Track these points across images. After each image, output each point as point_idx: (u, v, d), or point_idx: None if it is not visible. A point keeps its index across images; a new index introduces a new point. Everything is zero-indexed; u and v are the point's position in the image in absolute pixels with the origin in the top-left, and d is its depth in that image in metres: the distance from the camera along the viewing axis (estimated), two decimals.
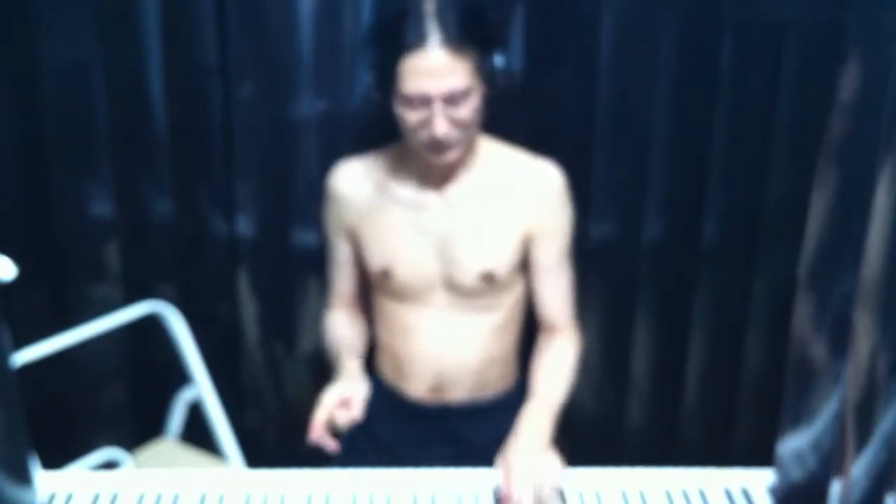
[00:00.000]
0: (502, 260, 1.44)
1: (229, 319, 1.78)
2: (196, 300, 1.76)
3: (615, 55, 1.61)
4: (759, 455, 1.29)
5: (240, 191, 1.69)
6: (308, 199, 1.69)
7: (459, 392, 1.50)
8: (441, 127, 1.32)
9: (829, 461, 1.05)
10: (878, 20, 0.92)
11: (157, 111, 1.65)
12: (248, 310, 1.77)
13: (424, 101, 1.31)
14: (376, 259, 1.47)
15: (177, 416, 1.76)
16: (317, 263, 1.73)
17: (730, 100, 1.64)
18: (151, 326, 1.68)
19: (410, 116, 1.34)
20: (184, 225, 1.72)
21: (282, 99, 1.63)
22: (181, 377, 1.71)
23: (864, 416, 0.95)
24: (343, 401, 1.47)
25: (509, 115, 1.54)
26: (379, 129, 1.64)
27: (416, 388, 1.51)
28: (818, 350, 1.07)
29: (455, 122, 1.33)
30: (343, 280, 1.57)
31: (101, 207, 1.69)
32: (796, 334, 1.12)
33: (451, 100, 1.31)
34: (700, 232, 1.73)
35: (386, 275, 1.47)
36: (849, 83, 0.97)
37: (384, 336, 1.55)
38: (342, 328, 1.59)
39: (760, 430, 1.52)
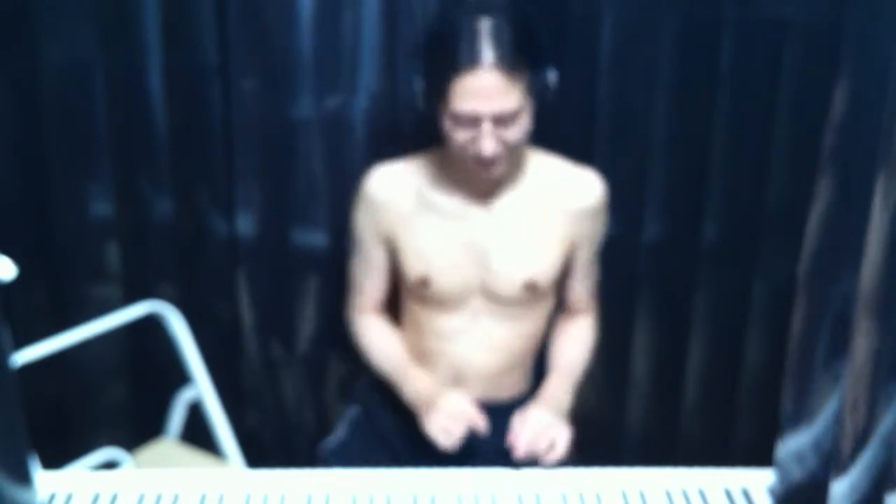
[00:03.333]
0: (546, 269, 1.44)
1: (229, 319, 1.78)
2: (196, 300, 1.76)
3: (615, 55, 1.61)
4: (759, 455, 1.29)
5: (240, 191, 1.69)
6: (308, 199, 1.69)
7: (473, 393, 1.48)
8: (489, 147, 1.31)
9: (829, 461, 1.05)
10: (876, 25, 0.92)
11: (157, 111, 1.65)
12: (248, 310, 1.77)
13: (474, 121, 1.30)
14: (415, 268, 1.45)
15: (177, 416, 1.76)
16: (317, 263, 1.74)
17: (730, 100, 1.64)
18: (151, 326, 1.68)
19: (458, 134, 1.33)
20: (184, 225, 1.72)
21: (282, 99, 1.63)
22: (181, 377, 1.71)
23: (864, 416, 0.95)
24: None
25: None
26: (387, 130, 1.65)
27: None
28: (818, 350, 1.07)
29: (503, 142, 1.32)
30: (373, 285, 1.54)
31: (101, 207, 1.69)
32: (796, 334, 1.12)
33: (501, 121, 1.30)
34: (700, 232, 1.73)
35: (424, 283, 1.45)
36: (848, 83, 0.97)
37: (408, 333, 1.54)
38: (388, 339, 1.55)
39: (760, 430, 1.52)
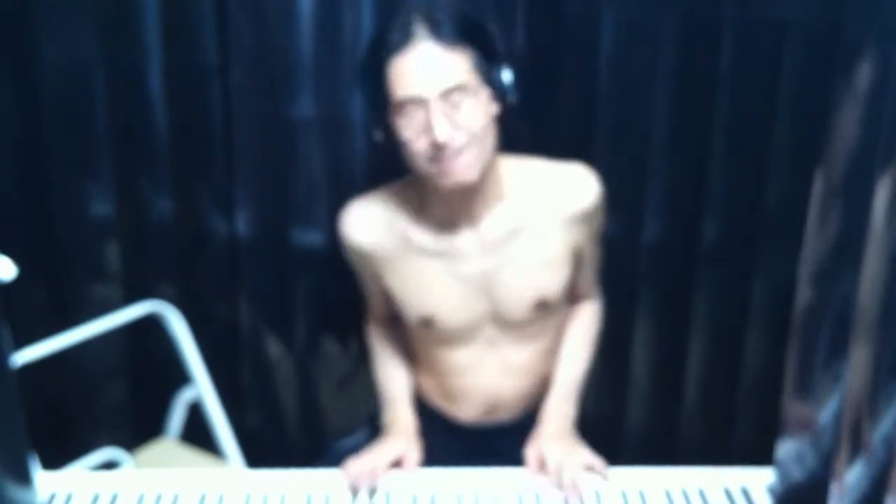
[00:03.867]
0: (555, 284, 1.37)
1: (229, 319, 1.78)
2: (196, 300, 1.76)
3: (615, 55, 1.61)
4: (759, 455, 1.29)
5: (240, 191, 1.69)
6: (308, 199, 1.69)
7: (511, 412, 1.47)
8: (441, 128, 1.18)
9: (829, 461, 1.05)
10: (875, 24, 0.92)
11: (157, 111, 1.65)
12: (248, 309, 1.77)
13: (419, 104, 1.20)
14: (415, 311, 1.38)
15: (177, 416, 1.76)
16: (316, 263, 1.74)
17: (730, 100, 1.64)
18: (151, 326, 1.68)
19: (407, 126, 1.22)
20: (184, 225, 1.72)
21: (282, 99, 1.63)
22: (181, 377, 1.71)
23: (864, 416, 0.95)
24: (397, 460, 1.34)
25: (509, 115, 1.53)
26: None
27: (466, 413, 1.47)
28: (818, 350, 1.07)
29: (458, 127, 1.20)
30: (374, 302, 1.50)
31: (101, 207, 1.69)
32: (796, 334, 1.12)
33: (448, 99, 1.19)
34: (700, 232, 1.73)
35: (427, 325, 1.38)
36: (847, 83, 0.97)
37: (428, 372, 1.48)
38: (388, 349, 1.52)
39: (760, 430, 1.52)
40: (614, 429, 1.87)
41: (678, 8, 1.59)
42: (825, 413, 1.07)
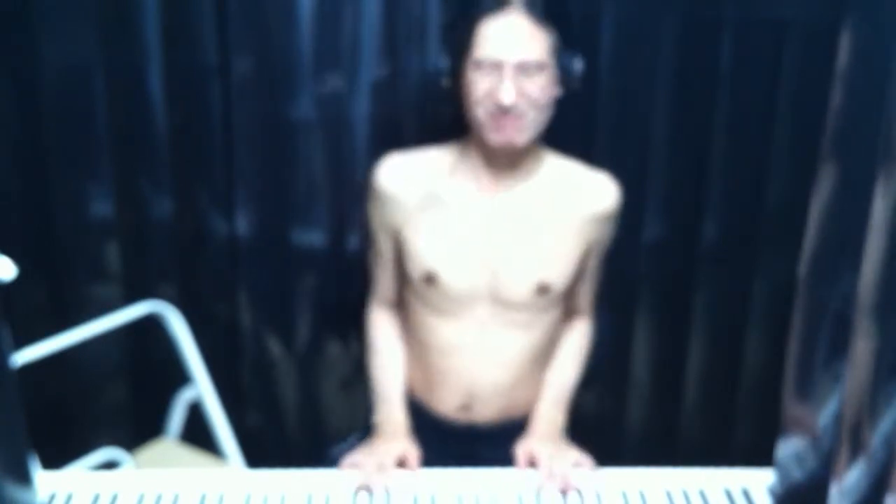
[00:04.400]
0: (560, 272, 1.40)
1: (229, 319, 1.78)
2: (196, 300, 1.76)
3: (615, 55, 1.61)
4: (759, 455, 1.29)
5: (240, 191, 1.69)
6: (308, 199, 1.69)
7: (488, 412, 1.46)
8: (509, 93, 1.28)
9: (829, 461, 1.05)
10: (874, 24, 0.92)
11: (157, 111, 1.65)
12: (248, 310, 1.77)
13: (496, 67, 1.29)
14: (421, 263, 1.40)
15: (177, 416, 1.76)
16: (316, 263, 1.74)
17: (730, 100, 1.64)
18: (151, 326, 1.68)
19: (480, 83, 1.31)
20: (184, 225, 1.72)
21: (282, 99, 1.63)
22: (181, 377, 1.71)
23: (865, 416, 0.95)
24: (399, 461, 1.35)
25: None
26: (387, 130, 1.64)
27: (445, 405, 1.47)
28: (818, 350, 1.07)
29: (523, 96, 1.30)
30: (386, 278, 1.50)
31: (101, 207, 1.69)
32: (796, 334, 1.12)
33: (524, 69, 1.29)
34: (700, 232, 1.73)
35: (430, 281, 1.40)
36: (846, 83, 0.97)
37: (416, 349, 1.49)
38: (387, 342, 1.52)
39: (760, 430, 1.52)
40: (614, 429, 1.87)
41: (678, 8, 1.59)
42: (825, 413, 1.07)
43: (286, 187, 1.69)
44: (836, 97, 0.99)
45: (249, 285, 1.76)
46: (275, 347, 1.80)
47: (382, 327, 1.53)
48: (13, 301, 1.59)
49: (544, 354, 1.49)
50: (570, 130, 1.66)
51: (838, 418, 1.03)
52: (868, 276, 0.94)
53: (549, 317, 1.45)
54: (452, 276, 1.39)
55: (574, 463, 1.31)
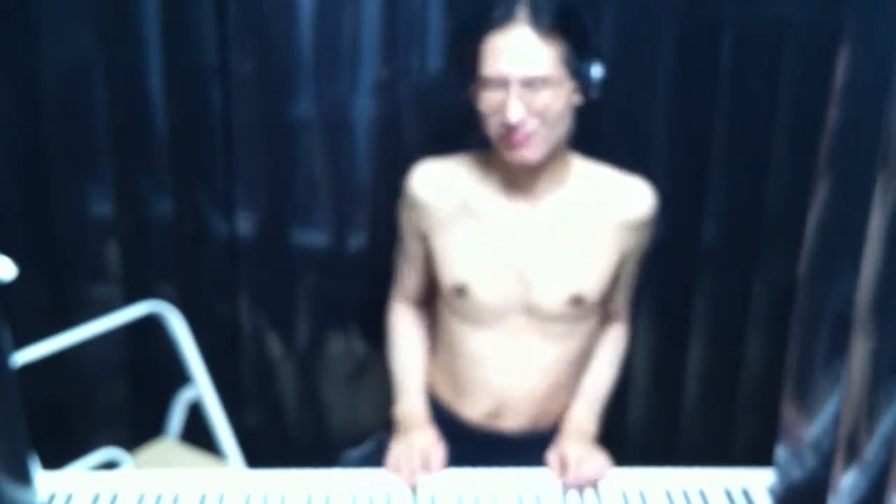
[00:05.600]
0: (594, 283, 1.37)
1: (229, 319, 1.78)
2: (196, 300, 1.76)
3: (615, 55, 1.61)
4: (759, 455, 1.29)
5: (240, 191, 1.69)
6: (308, 199, 1.69)
7: (516, 420, 1.44)
8: (515, 111, 1.25)
9: (829, 461, 1.05)
10: (874, 24, 0.92)
11: (157, 111, 1.65)
12: (248, 310, 1.77)
13: (501, 84, 1.26)
14: (452, 274, 1.38)
15: (177, 416, 1.76)
16: (317, 263, 1.74)
17: (730, 99, 1.64)
18: (151, 326, 1.68)
19: (487, 100, 1.28)
20: (184, 225, 1.72)
21: (282, 99, 1.63)
22: (181, 377, 1.71)
23: (864, 416, 0.95)
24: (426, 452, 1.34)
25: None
26: (387, 130, 1.64)
27: (472, 411, 1.45)
28: (818, 350, 1.07)
29: (533, 111, 1.26)
30: (412, 277, 1.49)
31: (101, 207, 1.69)
32: (796, 334, 1.12)
33: (530, 84, 1.25)
34: (700, 232, 1.73)
35: (461, 293, 1.38)
36: (846, 82, 0.97)
37: (445, 355, 1.47)
38: (408, 336, 1.51)
39: (760, 430, 1.52)
40: (614, 429, 1.87)
41: (678, 8, 1.59)
42: (825, 413, 1.07)
43: (286, 187, 1.69)
44: (836, 97, 0.99)
45: (249, 285, 1.76)
46: (275, 347, 1.80)
47: (404, 321, 1.52)
48: (13, 301, 1.59)
49: (578, 364, 1.46)
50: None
51: (838, 418, 1.03)
52: (868, 276, 0.94)
53: (584, 327, 1.43)
54: (484, 289, 1.37)
55: (601, 468, 1.30)
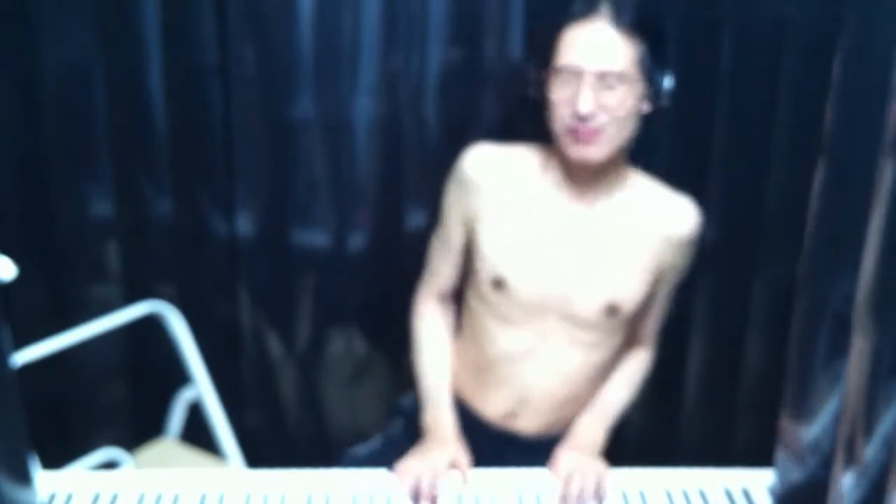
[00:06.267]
0: (631, 293, 1.36)
1: (229, 319, 1.78)
2: (196, 300, 1.76)
3: None
4: (759, 455, 1.29)
5: (240, 191, 1.69)
6: (308, 199, 1.69)
7: (534, 423, 1.43)
8: (587, 101, 1.23)
9: (829, 461, 1.05)
10: (874, 24, 0.92)
11: (157, 111, 1.65)
12: (248, 310, 1.77)
13: (576, 75, 1.24)
14: (492, 265, 1.35)
15: (177, 416, 1.76)
16: (317, 263, 1.74)
17: (730, 100, 1.64)
18: (151, 326, 1.68)
19: (559, 92, 1.26)
20: (184, 225, 1.72)
21: (282, 99, 1.63)
22: (181, 377, 1.71)
23: (864, 416, 0.95)
24: (451, 466, 1.32)
25: (511, 116, 1.53)
26: (387, 130, 1.64)
27: (491, 409, 1.43)
28: (818, 350, 1.07)
29: (603, 107, 1.25)
30: (447, 267, 1.44)
31: (101, 207, 1.69)
32: (796, 334, 1.12)
33: (604, 79, 1.24)
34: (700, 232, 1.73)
35: (499, 285, 1.35)
36: (845, 81, 0.97)
37: (470, 350, 1.44)
38: (436, 337, 1.47)
39: (760, 430, 1.52)
40: (615, 429, 1.86)
41: (678, 8, 1.59)
42: (825, 413, 1.07)
43: (286, 187, 1.69)
44: (835, 97, 0.99)
45: (249, 285, 1.76)
46: (275, 347, 1.80)
47: (432, 320, 1.48)
48: (13, 301, 1.59)
49: (602, 377, 1.44)
50: None
51: (838, 418, 1.03)
52: (868, 275, 0.94)
53: (613, 341, 1.41)
54: (523, 284, 1.34)
55: (597, 479, 1.28)
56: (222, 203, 1.71)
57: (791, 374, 1.14)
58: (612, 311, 1.36)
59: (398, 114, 1.64)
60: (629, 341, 1.46)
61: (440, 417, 1.40)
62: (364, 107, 1.63)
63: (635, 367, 1.49)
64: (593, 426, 1.42)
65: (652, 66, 1.28)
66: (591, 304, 1.35)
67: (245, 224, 1.71)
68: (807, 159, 1.12)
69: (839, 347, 1.01)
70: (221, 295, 1.77)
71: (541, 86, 1.31)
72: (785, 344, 1.14)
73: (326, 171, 1.68)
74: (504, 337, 1.38)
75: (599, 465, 1.32)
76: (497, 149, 1.39)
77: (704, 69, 1.63)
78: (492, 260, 1.36)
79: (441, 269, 1.46)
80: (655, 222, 1.37)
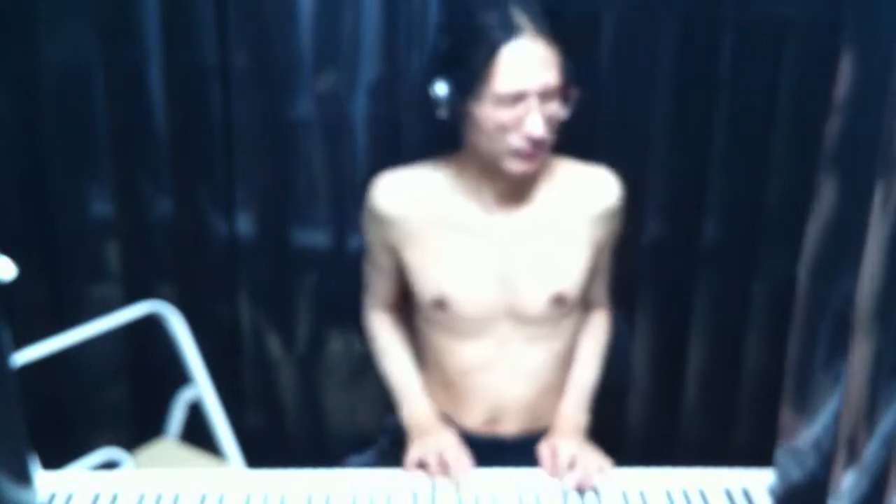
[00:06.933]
0: (574, 280, 1.35)
1: (229, 319, 1.78)
2: (196, 300, 1.76)
3: (615, 55, 1.61)
4: (759, 455, 1.29)
5: (240, 191, 1.69)
6: (308, 199, 1.69)
7: (515, 424, 1.42)
8: (538, 125, 1.22)
9: (829, 461, 1.05)
10: (876, 21, 0.92)
11: (157, 111, 1.65)
12: (248, 310, 1.77)
13: (519, 98, 1.21)
14: (430, 289, 1.35)
15: (177, 416, 1.76)
16: (317, 263, 1.74)
17: (730, 99, 1.64)
18: (151, 326, 1.68)
19: (502, 117, 1.22)
20: (184, 225, 1.72)
21: (282, 99, 1.63)
22: (181, 377, 1.71)
23: (864, 416, 0.95)
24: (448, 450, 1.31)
25: None
26: (387, 130, 1.64)
27: (470, 419, 1.43)
28: (818, 350, 1.07)
29: (549, 121, 1.24)
30: (382, 287, 1.46)
31: (101, 207, 1.69)
32: (796, 334, 1.12)
33: (546, 96, 1.23)
34: (700, 232, 1.73)
35: (441, 306, 1.35)
36: (846, 83, 0.97)
37: (434, 371, 1.44)
38: (392, 341, 1.48)
39: (760, 430, 1.52)
40: (614, 429, 1.87)
41: (678, 8, 1.59)
42: (825, 413, 1.07)
43: (286, 187, 1.69)
44: (836, 99, 0.99)
45: (249, 285, 1.76)
46: (275, 347, 1.80)
47: (384, 327, 1.50)
48: (13, 301, 1.59)
49: (566, 363, 1.45)
50: (569, 131, 1.66)
51: (838, 418, 1.03)
52: (868, 276, 0.94)
53: (567, 325, 1.42)
54: (465, 300, 1.34)
55: (597, 465, 1.29)
56: (222, 203, 1.71)
57: (791, 374, 1.14)
58: (559, 300, 1.36)
59: (398, 114, 1.64)
60: (584, 308, 1.46)
61: (416, 410, 1.41)
62: (364, 107, 1.63)
63: (594, 337, 1.49)
64: (575, 410, 1.42)
65: (567, 64, 1.26)
66: (537, 302, 1.35)
67: (245, 224, 1.71)
68: (807, 159, 1.12)
69: (839, 347, 1.01)
70: (221, 295, 1.77)
71: (468, 110, 1.26)
72: (785, 344, 1.14)
73: (326, 171, 1.68)
74: (463, 351, 1.39)
75: (595, 453, 1.33)
76: (403, 175, 1.37)
77: (704, 69, 1.63)
78: (428, 283, 1.35)
79: (378, 288, 1.47)
80: (581, 202, 1.36)
